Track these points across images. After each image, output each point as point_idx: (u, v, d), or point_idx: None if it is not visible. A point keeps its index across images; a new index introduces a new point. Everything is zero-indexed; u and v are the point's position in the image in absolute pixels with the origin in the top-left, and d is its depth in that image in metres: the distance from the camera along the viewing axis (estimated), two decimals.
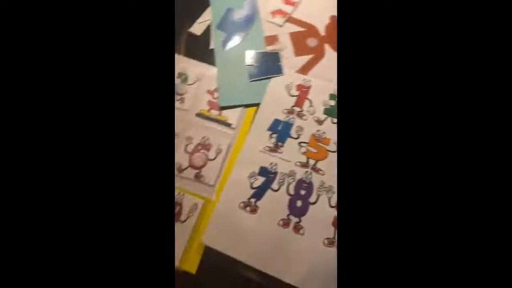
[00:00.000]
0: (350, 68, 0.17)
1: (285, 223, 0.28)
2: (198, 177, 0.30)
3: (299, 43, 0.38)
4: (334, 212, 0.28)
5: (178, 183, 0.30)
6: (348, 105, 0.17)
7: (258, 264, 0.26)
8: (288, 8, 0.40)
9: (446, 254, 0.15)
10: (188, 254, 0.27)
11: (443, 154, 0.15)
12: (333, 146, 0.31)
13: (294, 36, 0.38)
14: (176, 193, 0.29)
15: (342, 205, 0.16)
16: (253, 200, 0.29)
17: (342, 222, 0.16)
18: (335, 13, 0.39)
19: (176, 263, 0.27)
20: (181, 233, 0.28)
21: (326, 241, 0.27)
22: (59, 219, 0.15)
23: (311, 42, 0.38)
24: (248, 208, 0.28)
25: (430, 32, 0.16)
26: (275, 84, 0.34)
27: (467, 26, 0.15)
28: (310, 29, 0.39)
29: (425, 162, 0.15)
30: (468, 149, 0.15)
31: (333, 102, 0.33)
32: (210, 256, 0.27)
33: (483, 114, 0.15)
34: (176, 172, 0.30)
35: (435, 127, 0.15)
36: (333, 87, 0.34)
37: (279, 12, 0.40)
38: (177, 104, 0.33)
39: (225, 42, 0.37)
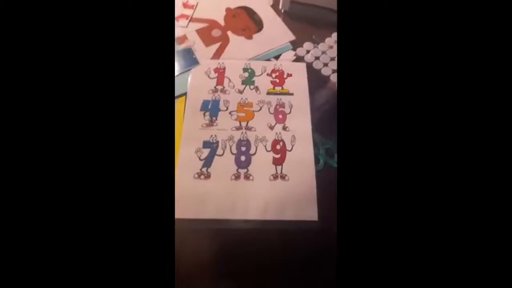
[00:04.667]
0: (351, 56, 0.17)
1: (236, 177, 0.33)
2: None
3: (206, 36, 0.43)
4: (271, 154, 0.34)
5: None
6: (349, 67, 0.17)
7: (222, 214, 0.30)
8: (188, 11, 0.46)
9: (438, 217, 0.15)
10: None
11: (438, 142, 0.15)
12: (256, 107, 0.37)
13: (200, 32, 0.44)
14: None
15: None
16: (204, 169, 0.33)
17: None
18: (229, 5, 0.46)
19: None
20: None
21: (271, 177, 0.33)
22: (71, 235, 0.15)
23: (216, 33, 0.44)
24: (202, 177, 0.33)
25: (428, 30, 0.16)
26: (195, 73, 0.39)
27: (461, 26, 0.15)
28: (212, 23, 0.45)
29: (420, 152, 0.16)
30: (463, 146, 0.15)
31: (247, 74, 0.40)
32: (183, 226, 0.30)
33: (472, 110, 0.15)
34: None
35: (434, 127, 0.16)
36: (244, 62, 0.41)
37: (182, 16, 0.45)
38: None
39: None
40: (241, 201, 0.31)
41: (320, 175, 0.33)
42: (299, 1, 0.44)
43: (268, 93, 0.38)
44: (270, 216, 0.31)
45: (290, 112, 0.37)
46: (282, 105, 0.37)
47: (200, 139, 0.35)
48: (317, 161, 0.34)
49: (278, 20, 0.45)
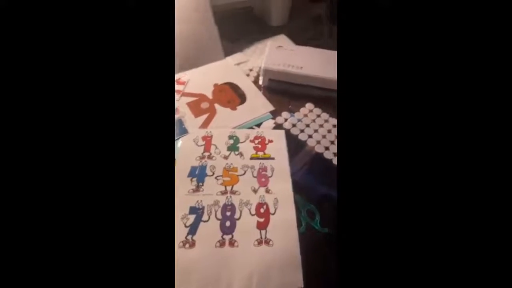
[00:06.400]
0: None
1: (221, 243, 0.33)
2: None
3: (195, 108, 0.49)
4: (255, 218, 0.35)
5: None
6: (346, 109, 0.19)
7: (206, 286, 0.30)
8: (180, 87, 0.53)
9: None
10: None
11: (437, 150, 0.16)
12: (240, 171, 0.40)
13: (190, 104, 0.50)
14: None
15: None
16: (189, 237, 0.33)
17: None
18: (216, 81, 0.54)
19: None
20: None
21: (256, 242, 0.33)
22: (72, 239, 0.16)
23: (204, 105, 0.50)
24: (187, 245, 0.33)
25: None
26: (184, 142, 0.43)
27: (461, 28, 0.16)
28: (201, 97, 0.51)
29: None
30: (462, 149, 0.15)
31: (232, 141, 0.44)
32: None
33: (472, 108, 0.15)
34: None
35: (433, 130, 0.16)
36: (229, 131, 0.45)
37: (175, 91, 0.52)
38: None
39: None
40: (225, 271, 0.31)
41: (302, 237, 0.34)
42: (275, 79, 0.52)
43: (252, 158, 0.42)
44: (256, 287, 0.30)
45: (272, 175, 0.40)
46: (265, 169, 0.40)
47: (186, 205, 0.36)
48: (299, 223, 0.35)
49: (259, 94, 0.53)
